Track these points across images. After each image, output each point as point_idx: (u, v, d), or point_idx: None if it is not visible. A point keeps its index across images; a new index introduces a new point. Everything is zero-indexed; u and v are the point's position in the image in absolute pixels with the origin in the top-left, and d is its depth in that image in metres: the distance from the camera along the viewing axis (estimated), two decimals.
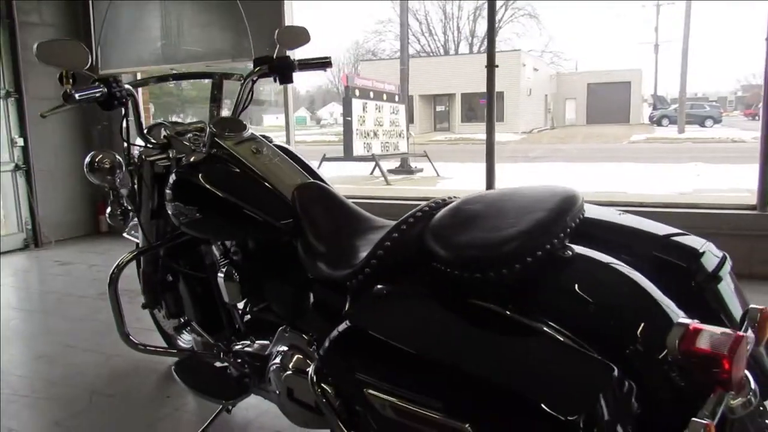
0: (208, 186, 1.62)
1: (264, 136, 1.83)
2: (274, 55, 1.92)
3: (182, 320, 2.05)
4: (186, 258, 1.99)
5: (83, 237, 5.16)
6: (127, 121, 1.79)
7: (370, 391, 1.03)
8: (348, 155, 9.46)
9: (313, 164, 1.83)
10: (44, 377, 2.37)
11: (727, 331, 0.93)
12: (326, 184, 1.73)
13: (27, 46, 4.61)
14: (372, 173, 10.39)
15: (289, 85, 3.79)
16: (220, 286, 1.72)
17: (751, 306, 1.09)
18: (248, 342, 1.78)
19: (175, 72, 2.63)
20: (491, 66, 3.90)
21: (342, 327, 1.11)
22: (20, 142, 4.64)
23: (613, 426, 0.88)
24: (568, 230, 1.09)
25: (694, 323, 0.97)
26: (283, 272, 1.65)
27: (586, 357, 0.97)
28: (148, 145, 1.86)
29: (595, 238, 1.25)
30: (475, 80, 22.39)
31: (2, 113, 4.60)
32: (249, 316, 1.82)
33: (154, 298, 2.07)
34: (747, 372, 0.97)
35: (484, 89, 3.96)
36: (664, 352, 0.94)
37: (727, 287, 1.25)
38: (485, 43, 4.16)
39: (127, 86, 1.69)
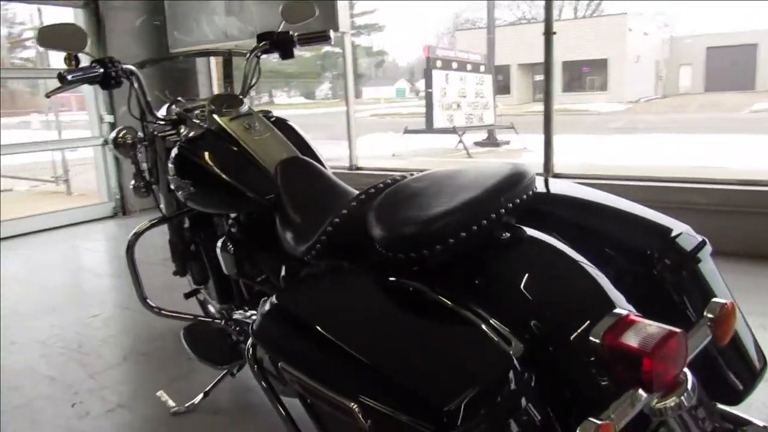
0: (199, 161, 1.69)
1: (264, 111, 1.88)
2: (279, 30, 1.96)
3: (194, 287, 2.17)
4: (204, 229, 2.11)
5: None
6: (138, 98, 1.88)
7: (285, 368, 1.05)
8: (429, 128, 9.38)
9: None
10: (93, 335, 2.62)
11: (664, 327, 0.87)
12: (316, 159, 1.75)
13: (111, 29, 4.97)
14: (457, 146, 10.26)
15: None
16: (218, 257, 1.81)
17: (713, 300, 1.01)
18: (245, 310, 1.87)
19: (183, 51, 2.70)
20: (548, 33, 3.72)
21: (268, 304, 1.14)
22: (108, 118, 5.03)
23: (489, 419, 0.84)
24: (503, 210, 1.04)
25: (631, 315, 0.91)
26: (269, 246, 1.70)
27: (484, 345, 0.95)
28: (160, 122, 1.96)
29: (550, 217, 1.20)
30: (577, 47, 21.28)
31: (93, 93, 5.02)
32: (257, 288, 1.90)
33: (182, 266, 2.21)
34: (687, 372, 0.90)
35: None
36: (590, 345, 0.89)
37: (697, 276, 1.16)
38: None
39: (128, 66, 1.78)
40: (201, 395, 1.96)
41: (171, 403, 1.96)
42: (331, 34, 2.01)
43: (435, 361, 0.91)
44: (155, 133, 2.01)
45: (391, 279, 1.08)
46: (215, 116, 1.73)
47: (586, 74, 24.34)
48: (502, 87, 22.87)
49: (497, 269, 1.05)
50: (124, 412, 1.96)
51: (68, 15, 4.98)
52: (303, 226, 1.45)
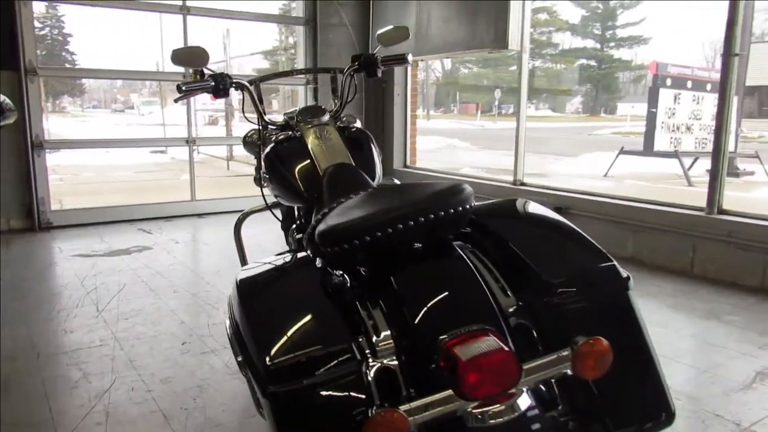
0: (278, 159, 2.05)
1: (350, 122, 2.19)
2: (375, 51, 2.23)
3: None
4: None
5: None
6: (254, 106, 2.29)
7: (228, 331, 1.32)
8: (648, 150, 8.63)
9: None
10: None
11: (494, 346, 0.97)
12: (369, 167, 1.99)
13: (326, 42, 5.72)
14: (687, 171, 9.25)
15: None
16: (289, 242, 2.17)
17: (578, 336, 1.07)
18: None
19: (297, 69, 3.02)
20: (728, 55, 3.33)
21: (234, 280, 1.40)
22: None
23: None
24: (422, 219, 1.15)
25: (480, 331, 1.02)
26: None
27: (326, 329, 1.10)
28: (271, 126, 2.36)
29: (488, 237, 1.31)
30: None
31: (306, 98, 5.85)
32: None
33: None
34: (525, 390, 1.00)
35: None
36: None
37: (606, 309, 1.19)
38: None
39: (239, 81, 2.20)
40: None
41: None
42: (409, 57, 2.22)
43: (302, 325, 1.08)
44: (266, 134, 2.43)
45: (320, 267, 1.29)
46: (300, 123, 2.07)
47: None
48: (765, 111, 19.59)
49: (399, 274, 1.19)
50: (212, 356, 2.43)
51: (295, 31, 5.87)
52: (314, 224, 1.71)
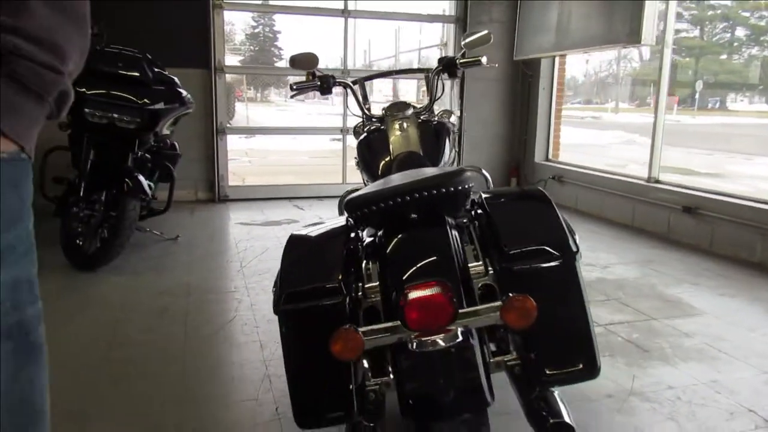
0: (363, 147, 2.46)
1: (445, 115, 2.55)
2: (459, 54, 2.54)
3: None
4: None
5: None
6: (356, 102, 2.71)
7: None
8: None
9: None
10: None
11: (434, 291, 1.30)
12: (435, 157, 2.31)
13: None
14: None
15: None
16: None
17: (512, 293, 1.34)
18: None
19: (395, 69, 3.22)
20: None
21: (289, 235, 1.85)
22: (457, 113, 6.14)
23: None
24: (416, 195, 1.46)
25: (434, 280, 1.35)
26: None
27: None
28: (373, 119, 2.77)
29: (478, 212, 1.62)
30: None
31: (449, 93, 6.20)
32: None
33: None
34: (460, 329, 1.27)
35: None
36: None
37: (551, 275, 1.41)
38: None
39: (342, 81, 2.63)
40: None
41: None
42: (484, 59, 2.48)
43: (313, 268, 1.49)
44: (365, 126, 2.85)
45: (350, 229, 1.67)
46: (387, 117, 2.46)
47: None
48: None
49: (393, 237, 1.53)
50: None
51: (446, 30, 6.24)
52: None
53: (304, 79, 2.60)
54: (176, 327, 2.67)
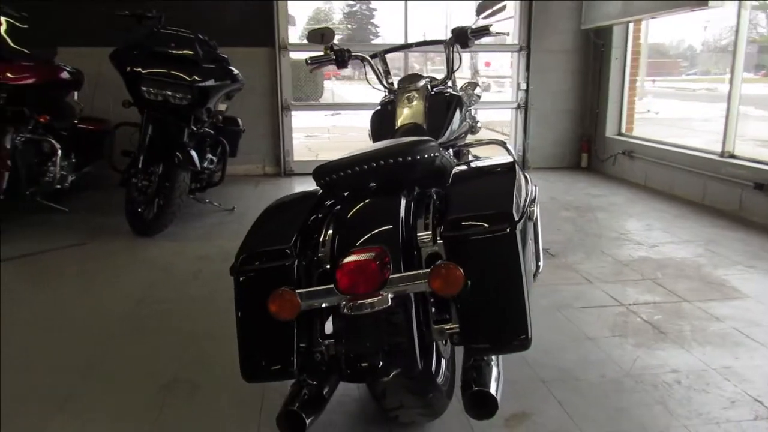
0: (374, 119, 2.47)
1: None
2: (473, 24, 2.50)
3: None
4: None
5: (565, 169, 6.16)
6: (376, 75, 2.72)
7: None
8: None
9: None
10: None
11: (367, 258, 1.35)
12: (436, 129, 2.29)
13: (543, 8, 5.76)
14: None
15: None
16: None
17: (440, 261, 1.37)
18: None
19: (413, 42, 3.08)
20: None
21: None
22: (523, 86, 5.95)
23: None
24: (374, 164, 1.53)
25: (374, 248, 1.39)
26: None
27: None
28: (390, 92, 2.79)
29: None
30: None
31: (515, 63, 6.01)
32: None
33: None
34: (390, 295, 1.31)
35: None
36: None
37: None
38: None
39: (359, 54, 2.65)
40: None
41: None
42: (492, 29, 2.42)
43: (271, 233, 1.56)
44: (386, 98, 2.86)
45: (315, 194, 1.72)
46: (398, 89, 2.47)
47: None
48: None
49: (348, 204, 1.58)
50: None
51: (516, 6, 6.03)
52: None
53: (321, 53, 2.66)
54: (205, 289, 2.86)
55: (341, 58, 2.63)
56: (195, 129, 3.95)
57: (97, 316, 2.53)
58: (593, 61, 5.86)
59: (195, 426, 1.77)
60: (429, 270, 1.28)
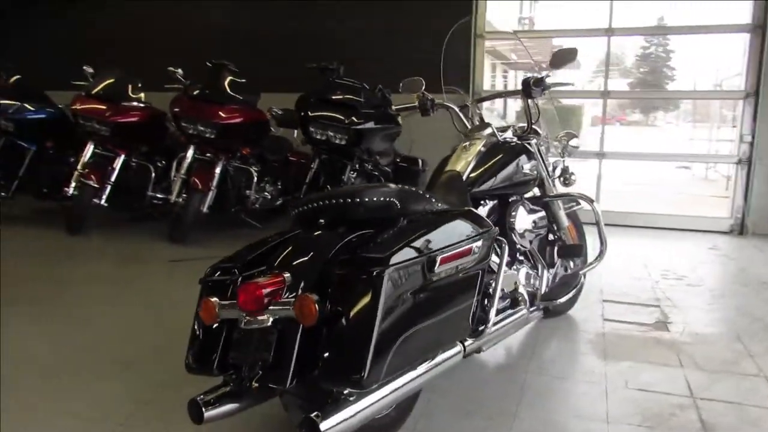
0: (439, 163, 2.54)
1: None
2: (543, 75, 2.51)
3: None
4: None
5: None
6: (459, 123, 2.79)
7: None
8: None
9: None
10: None
11: (260, 283, 1.58)
12: (482, 181, 2.33)
13: None
14: None
15: None
16: None
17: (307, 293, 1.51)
18: None
19: (504, 91, 2.65)
20: None
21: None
22: (748, 138, 5.07)
23: None
24: (313, 205, 1.79)
25: (280, 274, 1.65)
26: None
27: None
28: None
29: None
30: None
31: (740, 111, 5.16)
32: None
33: None
34: (270, 317, 1.51)
35: None
36: None
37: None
38: None
39: (441, 102, 2.77)
40: None
41: None
42: (547, 81, 2.44)
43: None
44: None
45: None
46: (465, 137, 2.57)
47: None
48: None
49: (296, 234, 1.82)
50: None
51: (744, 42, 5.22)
52: None
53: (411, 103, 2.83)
54: None
55: (424, 107, 2.77)
56: (358, 166, 4.48)
57: (148, 317, 2.99)
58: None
59: None
60: (293, 299, 1.46)
